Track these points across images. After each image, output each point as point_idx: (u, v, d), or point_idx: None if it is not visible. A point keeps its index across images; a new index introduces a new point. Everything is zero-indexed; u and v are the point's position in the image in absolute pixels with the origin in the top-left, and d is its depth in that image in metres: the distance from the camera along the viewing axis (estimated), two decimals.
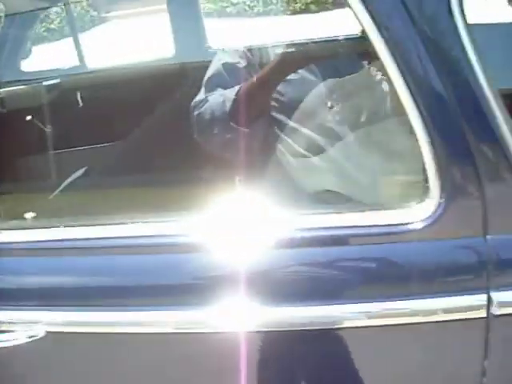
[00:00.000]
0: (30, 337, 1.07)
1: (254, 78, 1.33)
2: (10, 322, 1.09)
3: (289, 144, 1.40)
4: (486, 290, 0.95)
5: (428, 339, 0.99)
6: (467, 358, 1.00)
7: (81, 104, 2.57)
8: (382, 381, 1.04)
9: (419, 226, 0.96)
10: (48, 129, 2.53)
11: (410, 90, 0.90)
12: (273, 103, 1.36)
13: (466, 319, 0.96)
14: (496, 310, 0.95)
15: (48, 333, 1.07)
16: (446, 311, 0.96)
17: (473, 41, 0.88)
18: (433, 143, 0.91)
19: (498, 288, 0.95)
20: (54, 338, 1.08)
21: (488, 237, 0.95)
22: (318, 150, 1.34)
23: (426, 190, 0.95)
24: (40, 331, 1.07)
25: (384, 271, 0.98)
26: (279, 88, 1.34)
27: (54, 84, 2.53)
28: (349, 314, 0.99)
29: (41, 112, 2.48)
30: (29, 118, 2.49)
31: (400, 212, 0.98)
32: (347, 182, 1.28)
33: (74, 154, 2.58)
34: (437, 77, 0.89)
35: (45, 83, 2.52)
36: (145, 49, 2.96)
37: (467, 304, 0.96)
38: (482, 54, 0.89)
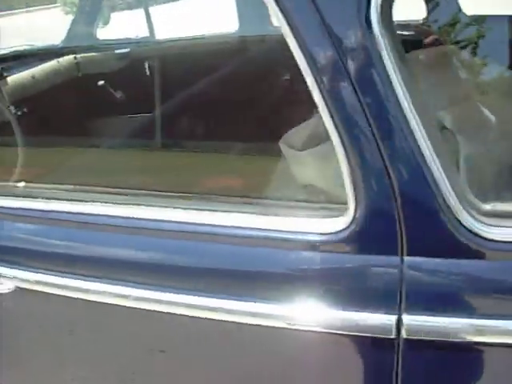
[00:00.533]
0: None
1: None
2: None
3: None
4: (398, 311, 0.92)
5: (337, 353, 0.99)
6: (380, 379, 0.98)
7: (148, 73, 2.71)
8: None
9: (333, 238, 0.94)
10: (118, 94, 2.71)
11: (325, 100, 0.88)
12: None
13: (375, 338, 0.94)
14: (406, 334, 0.92)
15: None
16: (356, 328, 0.95)
17: (394, 52, 0.84)
18: (349, 159, 0.89)
19: (410, 311, 0.92)
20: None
21: (405, 258, 0.92)
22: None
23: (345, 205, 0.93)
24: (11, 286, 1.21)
25: (290, 276, 0.99)
26: None
27: (124, 53, 2.69)
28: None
29: (112, 78, 2.67)
30: (101, 83, 2.68)
31: (321, 221, 0.97)
32: (323, 179, 1.27)
33: (140, 120, 2.74)
34: (352, 91, 0.86)
35: (117, 51, 2.69)
36: (212, 23, 3.03)
37: (377, 323, 0.93)
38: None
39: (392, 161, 0.88)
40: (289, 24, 0.87)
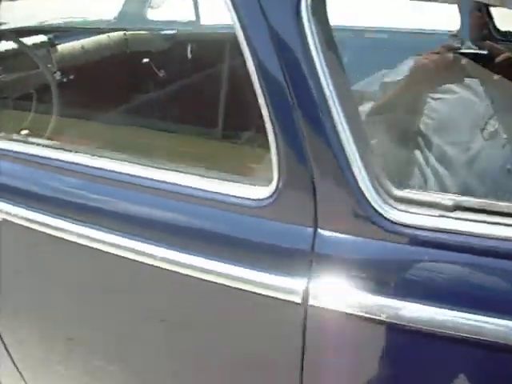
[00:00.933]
0: None
1: None
2: None
3: None
4: (307, 279, 0.99)
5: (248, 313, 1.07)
6: (287, 341, 1.06)
7: (190, 56, 2.85)
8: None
9: (258, 203, 1.03)
10: (160, 73, 2.86)
11: (260, 82, 0.96)
12: (424, 118, 1.37)
13: (284, 301, 1.01)
14: (312, 301, 0.99)
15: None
16: (266, 288, 1.02)
17: (323, 45, 0.91)
18: (275, 133, 0.97)
19: (318, 281, 0.99)
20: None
21: (319, 230, 0.99)
22: None
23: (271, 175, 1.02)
24: None
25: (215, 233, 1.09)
26: (434, 105, 1.36)
27: (170, 34, 2.84)
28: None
29: (156, 57, 2.83)
30: (146, 60, 2.84)
31: (253, 188, 1.06)
32: None
33: (179, 99, 2.88)
34: (281, 75, 0.94)
35: (163, 32, 2.85)
36: None
37: (286, 286, 1.00)
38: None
39: (310, 139, 0.95)
40: (233, 7, 0.96)
